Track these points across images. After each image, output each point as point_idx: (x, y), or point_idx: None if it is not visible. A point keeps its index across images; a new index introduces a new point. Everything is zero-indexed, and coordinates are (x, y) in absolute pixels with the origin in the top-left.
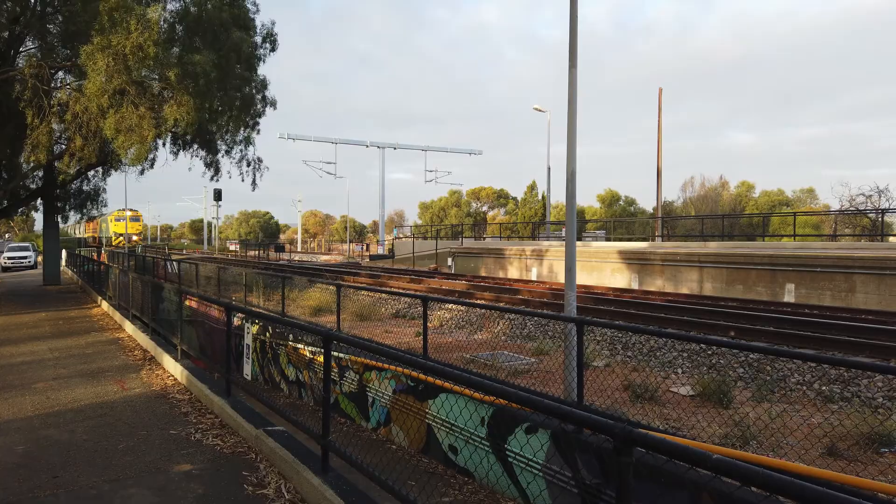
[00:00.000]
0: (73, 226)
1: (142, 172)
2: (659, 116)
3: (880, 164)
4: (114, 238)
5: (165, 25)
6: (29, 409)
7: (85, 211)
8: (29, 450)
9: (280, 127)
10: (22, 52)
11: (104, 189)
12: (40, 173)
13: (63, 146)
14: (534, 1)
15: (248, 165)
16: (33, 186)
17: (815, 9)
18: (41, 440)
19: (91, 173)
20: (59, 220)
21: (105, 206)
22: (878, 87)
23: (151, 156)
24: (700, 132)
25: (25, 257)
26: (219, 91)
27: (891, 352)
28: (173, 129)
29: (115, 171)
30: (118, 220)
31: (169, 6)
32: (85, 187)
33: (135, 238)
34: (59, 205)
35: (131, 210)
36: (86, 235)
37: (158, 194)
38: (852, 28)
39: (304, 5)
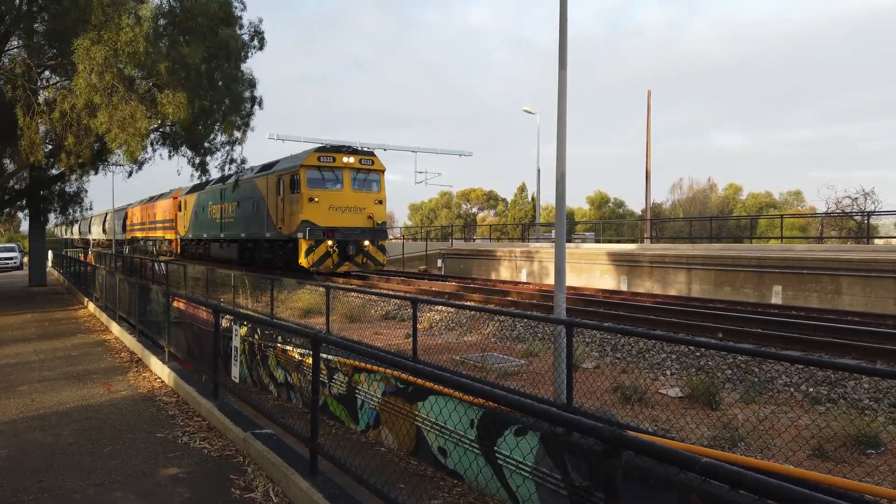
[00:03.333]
0: (96, 217)
1: (129, 174)
2: (648, 119)
3: (867, 167)
4: (303, 252)
5: (160, 22)
6: (13, 411)
7: (71, 211)
8: (13, 453)
9: (275, 128)
10: (8, 50)
11: (86, 190)
12: (25, 173)
13: (51, 146)
14: (525, 4)
15: (232, 163)
16: (18, 187)
17: (804, 13)
18: (25, 443)
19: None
20: (55, 218)
21: (90, 208)
22: (866, 89)
23: (144, 155)
24: (690, 134)
25: (11, 258)
26: (209, 85)
27: (877, 353)
28: (161, 129)
29: (101, 171)
30: (330, 180)
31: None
32: (68, 189)
33: (367, 244)
34: (44, 206)
35: (353, 152)
36: (142, 235)
37: (146, 194)
38: (843, 32)
39: (300, 9)
